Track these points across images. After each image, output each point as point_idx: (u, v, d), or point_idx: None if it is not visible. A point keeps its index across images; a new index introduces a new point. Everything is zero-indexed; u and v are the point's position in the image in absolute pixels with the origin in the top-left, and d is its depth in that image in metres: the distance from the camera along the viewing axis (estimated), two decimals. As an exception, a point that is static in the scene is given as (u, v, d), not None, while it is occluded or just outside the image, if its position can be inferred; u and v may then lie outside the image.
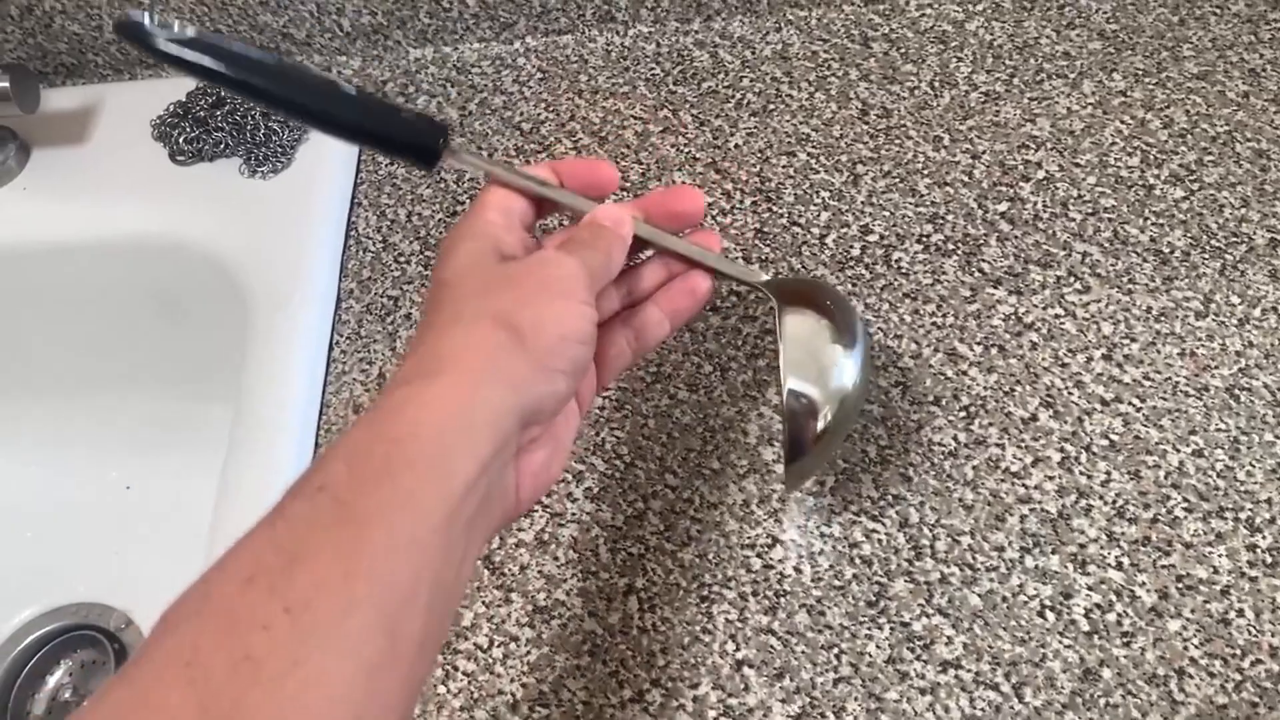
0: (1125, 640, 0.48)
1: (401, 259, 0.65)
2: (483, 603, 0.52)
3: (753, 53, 0.73)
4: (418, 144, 0.39)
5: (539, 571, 0.52)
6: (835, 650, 0.49)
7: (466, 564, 0.32)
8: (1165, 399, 0.55)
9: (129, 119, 0.72)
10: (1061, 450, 0.53)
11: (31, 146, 0.71)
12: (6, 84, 0.63)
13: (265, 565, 0.28)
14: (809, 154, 0.66)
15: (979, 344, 0.57)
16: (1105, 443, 0.54)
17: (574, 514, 0.54)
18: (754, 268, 0.45)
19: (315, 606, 0.27)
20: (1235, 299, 0.58)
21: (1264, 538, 0.50)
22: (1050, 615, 0.49)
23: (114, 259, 0.69)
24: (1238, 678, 0.47)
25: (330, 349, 0.61)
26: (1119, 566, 0.50)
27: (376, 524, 0.29)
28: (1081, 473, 0.53)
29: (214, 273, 0.66)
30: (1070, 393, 0.55)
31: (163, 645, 0.27)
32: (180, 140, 0.69)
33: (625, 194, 0.66)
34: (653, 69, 0.73)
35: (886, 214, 0.63)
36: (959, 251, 0.61)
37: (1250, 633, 0.48)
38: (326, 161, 0.69)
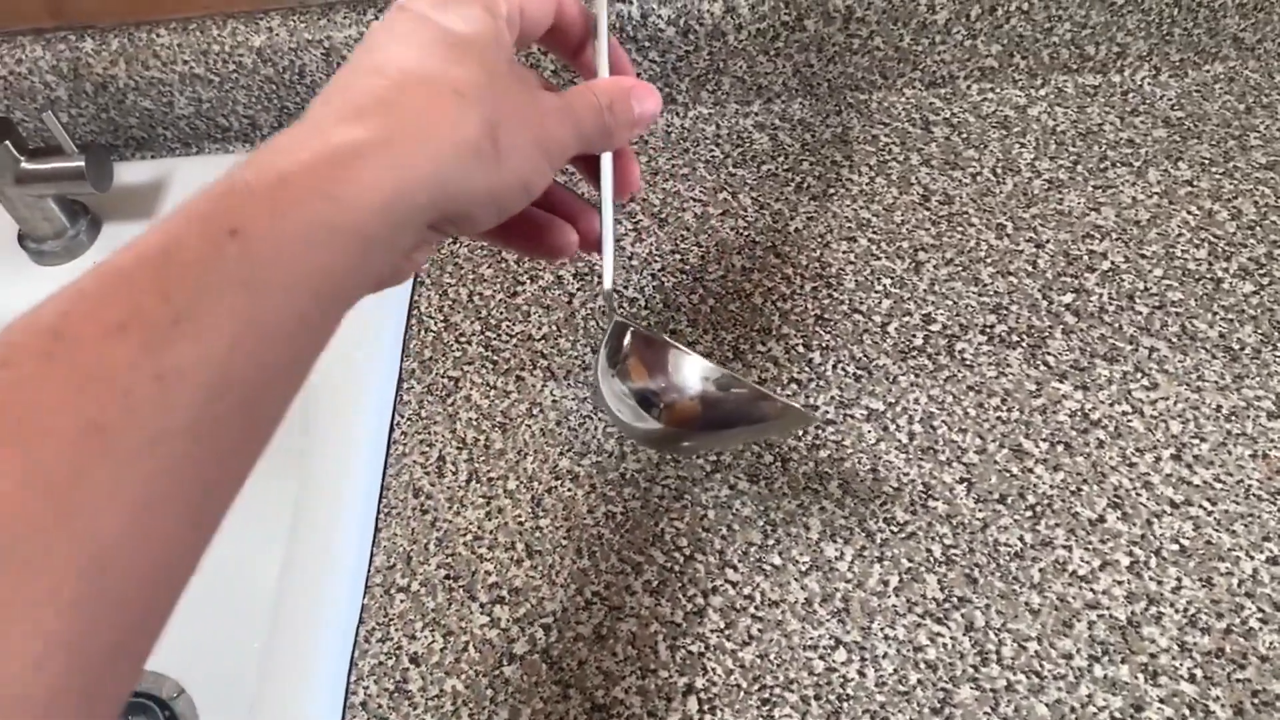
0: (1200, 758, 0.47)
1: (463, 339, 0.66)
2: (540, 698, 0.51)
3: (813, 136, 0.73)
4: None
5: (597, 667, 0.52)
6: (899, 759, 0.48)
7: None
8: (1237, 503, 0.54)
9: (197, 193, 0.73)
10: (1130, 554, 0.52)
11: (103, 220, 0.73)
12: (82, 163, 0.65)
13: (145, 315, 0.24)
14: (870, 239, 0.66)
15: (1045, 440, 0.57)
16: (1175, 547, 0.52)
17: (633, 608, 0.54)
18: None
19: (187, 379, 0.24)
20: (1309, 399, 0.57)
21: (1344, 653, 0.49)
22: (1121, 729, 0.48)
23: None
24: (1319, 803, 0.46)
25: (391, 429, 0.62)
26: (1192, 679, 0.49)
27: (276, 299, 0.26)
28: (1151, 578, 0.52)
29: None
30: (1139, 494, 0.54)
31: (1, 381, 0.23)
32: (247, 217, 0.70)
33: (685, 276, 0.66)
34: (712, 151, 0.73)
35: (950, 303, 0.63)
36: (1024, 344, 0.60)
37: (1331, 755, 0.46)
38: (389, 240, 0.69)
